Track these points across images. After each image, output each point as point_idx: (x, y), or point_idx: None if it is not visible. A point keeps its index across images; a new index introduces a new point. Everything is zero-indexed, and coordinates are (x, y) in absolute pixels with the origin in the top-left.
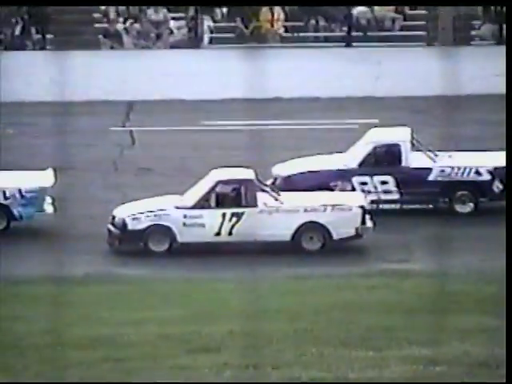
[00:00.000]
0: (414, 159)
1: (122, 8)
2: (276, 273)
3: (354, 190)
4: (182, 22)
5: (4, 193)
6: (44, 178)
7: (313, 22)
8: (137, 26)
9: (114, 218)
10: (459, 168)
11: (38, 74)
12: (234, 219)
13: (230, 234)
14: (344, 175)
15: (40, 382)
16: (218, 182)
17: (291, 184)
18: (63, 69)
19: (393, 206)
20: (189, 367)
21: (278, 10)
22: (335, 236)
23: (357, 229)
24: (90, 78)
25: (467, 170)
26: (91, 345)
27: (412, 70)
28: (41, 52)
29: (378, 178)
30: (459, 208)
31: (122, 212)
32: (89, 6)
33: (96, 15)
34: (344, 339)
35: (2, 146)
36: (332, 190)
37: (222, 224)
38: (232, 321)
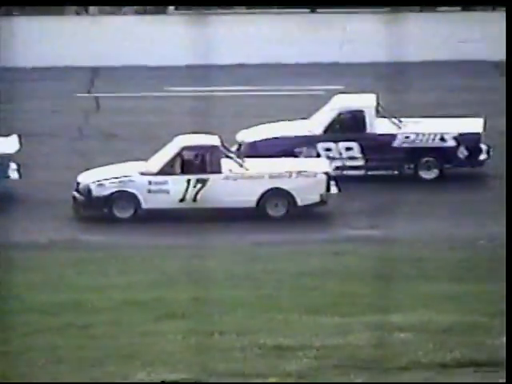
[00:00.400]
0: (378, 125)
1: None
2: (241, 239)
3: (318, 156)
4: None
5: None
6: (8, 144)
7: None
8: None
9: (78, 184)
10: (424, 134)
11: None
12: (199, 185)
13: (195, 200)
14: (309, 141)
15: (41, 382)
16: (183, 148)
17: (256, 150)
18: (27, 34)
19: (358, 172)
20: (154, 333)
21: None
22: (300, 202)
23: (321, 195)
24: (55, 44)
25: (432, 136)
26: (56, 311)
27: (377, 35)
28: (4, 17)
29: (342, 145)
30: (424, 174)
31: (87, 178)
32: (88, 5)
33: None
34: (309, 305)
35: None
36: (297, 156)
37: (186, 190)
38: (197, 287)
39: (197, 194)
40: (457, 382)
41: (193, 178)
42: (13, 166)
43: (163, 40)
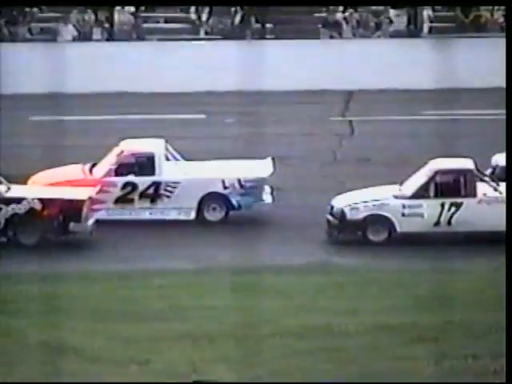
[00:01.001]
0: None
1: None
2: (494, 262)
3: None
4: (402, 12)
5: (223, 182)
6: (263, 168)
7: None
8: (356, 15)
9: (332, 207)
10: None
11: (255, 63)
12: (453, 209)
13: (449, 223)
14: None
15: (42, 382)
16: (437, 172)
17: None
18: (280, 57)
19: None
20: (407, 358)
21: None
22: None
23: None
24: (309, 68)
25: None
26: (308, 334)
27: None
28: (258, 41)
29: None
30: None
31: (341, 202)
32: (92, 6)
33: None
34: None
35: (222, 135)
36: None
37: (440, 214)
38: (448, 311)
39: (451, 217)
40: (458, 382)
41: (447, 201)
42: (267, 189)
43: (417, 63)
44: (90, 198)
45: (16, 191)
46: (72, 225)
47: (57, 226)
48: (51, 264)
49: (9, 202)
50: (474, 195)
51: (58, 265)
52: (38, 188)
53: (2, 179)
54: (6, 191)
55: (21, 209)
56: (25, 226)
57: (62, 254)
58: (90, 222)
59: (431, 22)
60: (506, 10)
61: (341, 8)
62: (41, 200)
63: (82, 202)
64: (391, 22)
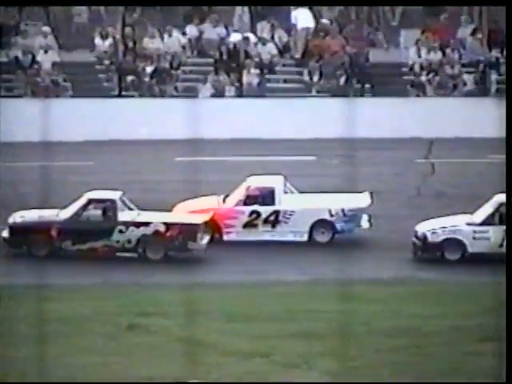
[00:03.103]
0: None
1: (425, 63)
2: None
3: None
4: (472, 76)
5: (330, 211)
6: (362, 200)
7: None
8: (437, 78)
9: (416, 232)
10: None
11: (356, 116)
12: None
13: None
14: None
15: (42, 382)
16: (501, 204)
17: None
18: (377, 112)
19: None
20: (477, 354)
21: None
22: None
23: None
24: (400, 119)
25: None
26: (397, 334)
27: None
28: (359, 98)
29: None
30: None
31: (423, 227)
32: (90, 5)
33: (404, 69)
34: None
35: (328, 173)
36: None
37: (503, 238)
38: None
39: None
40: (455, 381)
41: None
42: (365, 217)
43: (485, 117)
44: (205, 222)
45: (145, 216)
46: (190, 244)
47: (177, 244)
48: (183, 275)
49: (139, 225)
50: None
51: (188, 276)
52: (163, 214)
53: (133, 206)
54: (137, 216)
55: (148, 230)
56: (152, 244)
57: (195, 268)
58: (204, 241)
59: (497, 83)
60: (506, 10)
61: (424, 72)
62: (165, 223)
63: (197, 225)
64: (465, 84)
